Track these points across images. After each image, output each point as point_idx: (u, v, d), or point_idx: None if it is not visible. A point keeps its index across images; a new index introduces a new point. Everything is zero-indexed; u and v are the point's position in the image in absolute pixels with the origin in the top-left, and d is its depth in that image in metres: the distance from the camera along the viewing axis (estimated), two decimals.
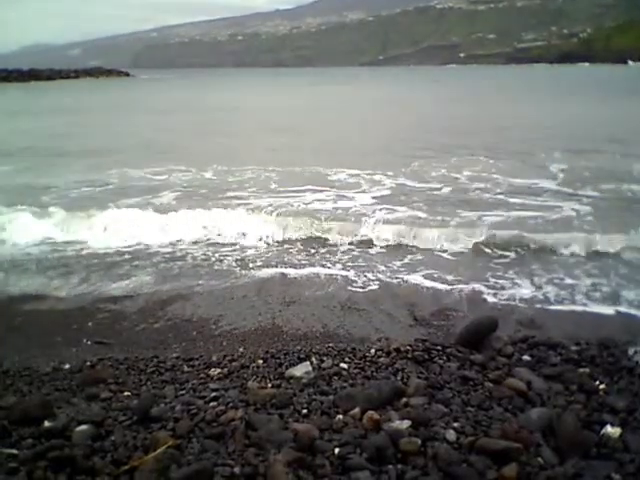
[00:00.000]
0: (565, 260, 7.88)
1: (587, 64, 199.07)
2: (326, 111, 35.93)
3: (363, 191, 12.25)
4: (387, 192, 12.12)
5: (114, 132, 24.68)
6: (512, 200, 11.10)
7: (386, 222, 9.66)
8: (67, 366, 4.84)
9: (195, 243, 9.09)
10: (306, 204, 11.25)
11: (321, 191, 12.30)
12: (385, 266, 7.85)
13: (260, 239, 9.19)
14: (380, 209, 10.64)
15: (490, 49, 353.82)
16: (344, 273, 7.59)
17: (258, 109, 37.86)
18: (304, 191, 12.29)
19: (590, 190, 11.63)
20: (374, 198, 11.59)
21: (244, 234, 9.37)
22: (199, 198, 11.90)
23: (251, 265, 7.96)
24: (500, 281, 7.15)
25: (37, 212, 10.24)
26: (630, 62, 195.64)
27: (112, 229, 9.68)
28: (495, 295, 6.73)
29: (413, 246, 8.71)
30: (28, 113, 34.68)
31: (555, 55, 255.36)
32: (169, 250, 8.74)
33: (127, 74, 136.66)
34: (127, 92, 67.10)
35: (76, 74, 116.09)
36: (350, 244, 8.92)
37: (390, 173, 13.90)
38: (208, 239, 9.29)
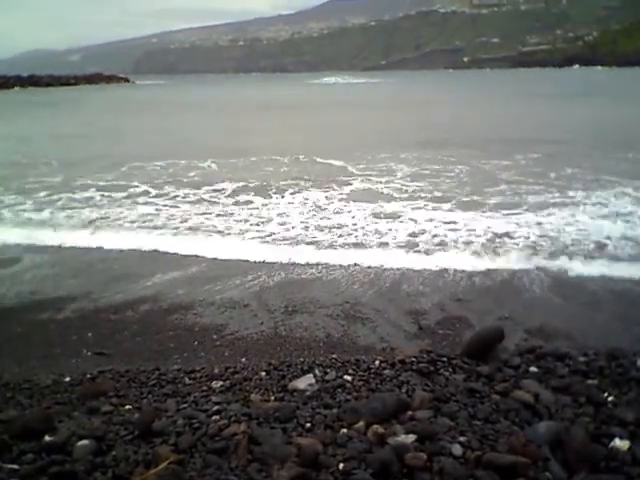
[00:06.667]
0: None
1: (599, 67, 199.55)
2: None
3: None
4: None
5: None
6: None
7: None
8: (67, 379, 4.79)
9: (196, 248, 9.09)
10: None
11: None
12: (391, 272, 7.84)
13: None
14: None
15: (494, 53, 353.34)
16: (348, 279, 7.57)
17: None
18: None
19: None
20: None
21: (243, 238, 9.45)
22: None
23: (253, 272, 7.93)
24: None
25: None
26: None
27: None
28: None
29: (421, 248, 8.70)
30: None
31: (560, 59, 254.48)
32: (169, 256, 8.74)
33: (127, 80, 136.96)
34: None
35: (76, 80, 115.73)
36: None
37: None
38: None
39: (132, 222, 10.81)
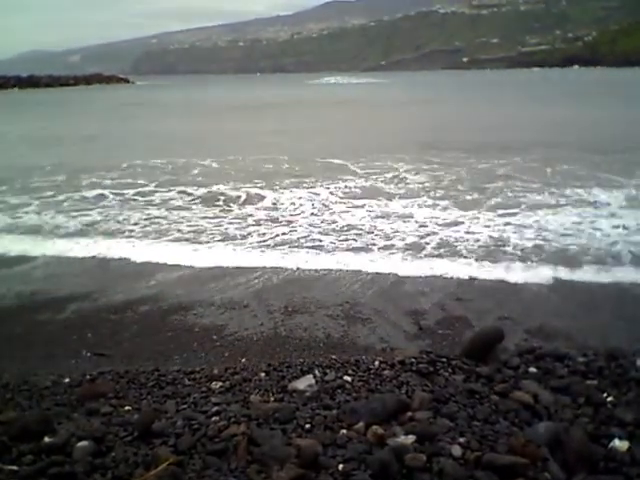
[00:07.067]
0: None
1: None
2: None
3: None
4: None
5: None
6: None
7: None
8: (67, 380, 4.77)
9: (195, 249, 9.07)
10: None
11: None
12: (391, 272, 7.83)
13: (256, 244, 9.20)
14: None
15: (493, 53, 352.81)
16: (348, 280, 7.57)
17: None
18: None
19: None
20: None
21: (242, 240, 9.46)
22: None
23: (253, 273, 7.92)
24: None
25: None
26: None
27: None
28: None
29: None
30: None
31: (559, 59, 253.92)
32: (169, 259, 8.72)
33: (127, 80, 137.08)
34: None
35: (75, 81, 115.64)
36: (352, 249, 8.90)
37: None
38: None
39: (134, 224, 10.78)
